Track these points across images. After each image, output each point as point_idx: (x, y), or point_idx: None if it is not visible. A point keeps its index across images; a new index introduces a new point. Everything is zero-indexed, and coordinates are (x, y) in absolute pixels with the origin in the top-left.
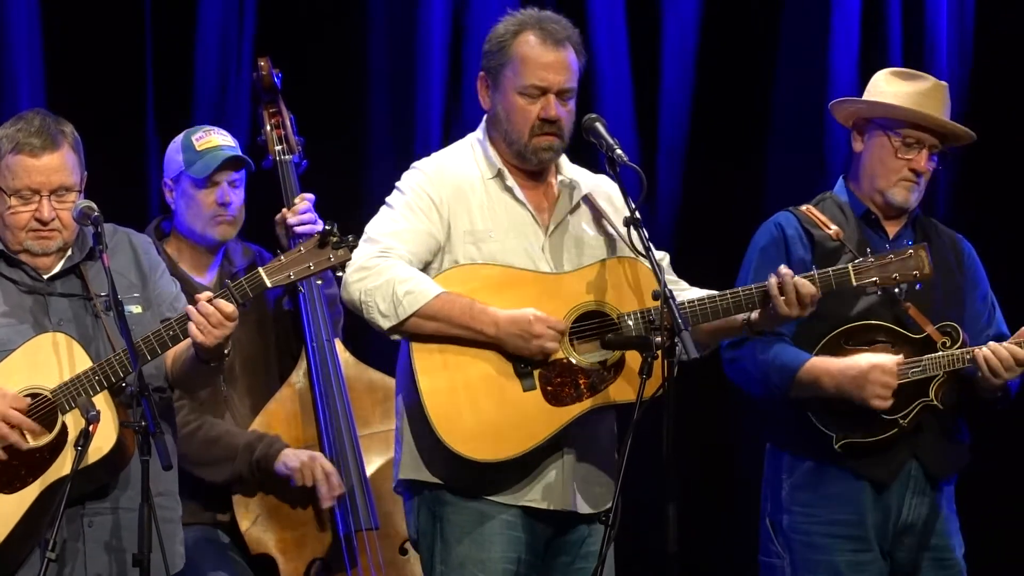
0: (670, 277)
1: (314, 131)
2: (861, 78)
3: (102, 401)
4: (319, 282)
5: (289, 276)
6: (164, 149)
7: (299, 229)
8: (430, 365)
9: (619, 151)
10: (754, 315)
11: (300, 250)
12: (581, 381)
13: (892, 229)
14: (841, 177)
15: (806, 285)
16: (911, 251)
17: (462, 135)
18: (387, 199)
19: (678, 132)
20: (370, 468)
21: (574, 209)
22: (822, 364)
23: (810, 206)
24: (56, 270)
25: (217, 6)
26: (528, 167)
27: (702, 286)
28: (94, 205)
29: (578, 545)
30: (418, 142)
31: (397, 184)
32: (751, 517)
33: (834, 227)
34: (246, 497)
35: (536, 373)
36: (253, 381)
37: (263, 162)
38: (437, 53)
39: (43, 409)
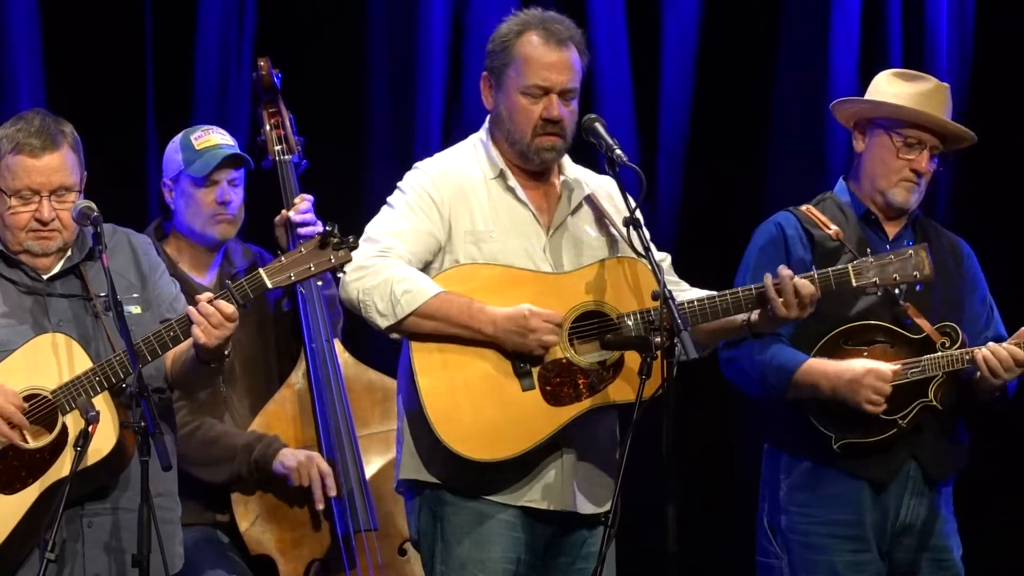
0: (671, 278)
1: (314, 131)
2: (861, 78)
3: (102, 402)
4: (319, 283)
5: (290, 277)
6: (164, 149)
7: (302, 231)
8: (429, 364)
9: (619, 151)
10: (754, 316)
11: (301, 251)
12: (580, 381)
13: (892, 230)
14: (841, 178)
15: (806, 286)
16: (911, 252)
17: (462, 135)
18: (388, 199)
19: (678, 132)
20: (369, 469)
21: (576, 210)
22: (819, 366)
23: (810, 206)
24: (56, 270)
25: (217, 6)
26: (530, 167)
27: (702, 286)
28: (93, 205)
29: (578, 545)
30: (418, 142)
31: (399, 184)
32: (751, 517)
33: (834, 227)
34: (245, 497)
35: (535, 373)
36: (252, 382)
37: (263, 162)
38: (437, 53)
39: (43, 410)
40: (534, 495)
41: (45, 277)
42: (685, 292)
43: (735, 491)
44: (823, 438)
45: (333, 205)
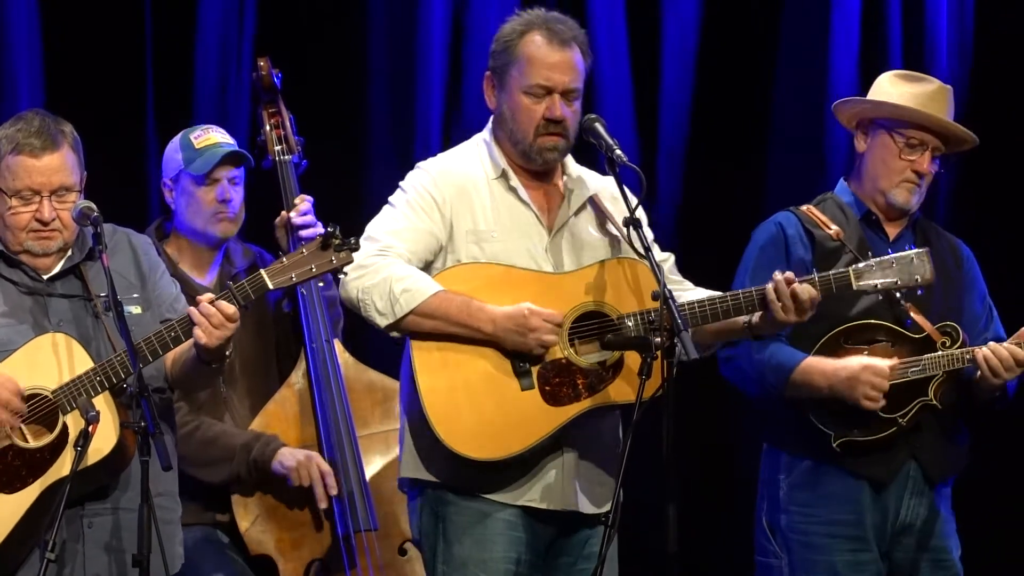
0: (675, 277)
1: (314, 131)
2: (861, 78)
3: (102, 402)
4: (320, 284)
5: (291, 278)
6: (164, 149)
7: (303, 233)
8: (429, 363)
9: (619, 151)
10: (755, 318)
11: (302, 252)
12: (579, 381)
13: (893, 231)
14: (842, 178)
15: (806, 291)
16: (913, 256)
17: (462, 135)
18: (390, 198)
19: (678, 132)
20: (369, 469)
21: (579, 210)
22: (817, 364)
23: (811, 206)
24: (56, 271)
25: (217, 6)
26: (533, 167)
27: (702, 286)
28: (93, 205)
29: (580, 546)
30: (418, 142)
31: (400, 183)
32: (750, 517)
33: (835, 227)
34: (245, 498)
35: (534, 372)
36: (253, 382)
37: (263, 162)
38: (437, 53)
39: (44, 410)
40: (534, 495)
41: (45, 277)
42: (688, 292)
43: (735, 491)
44: (823, 437)
45: (333, 205)
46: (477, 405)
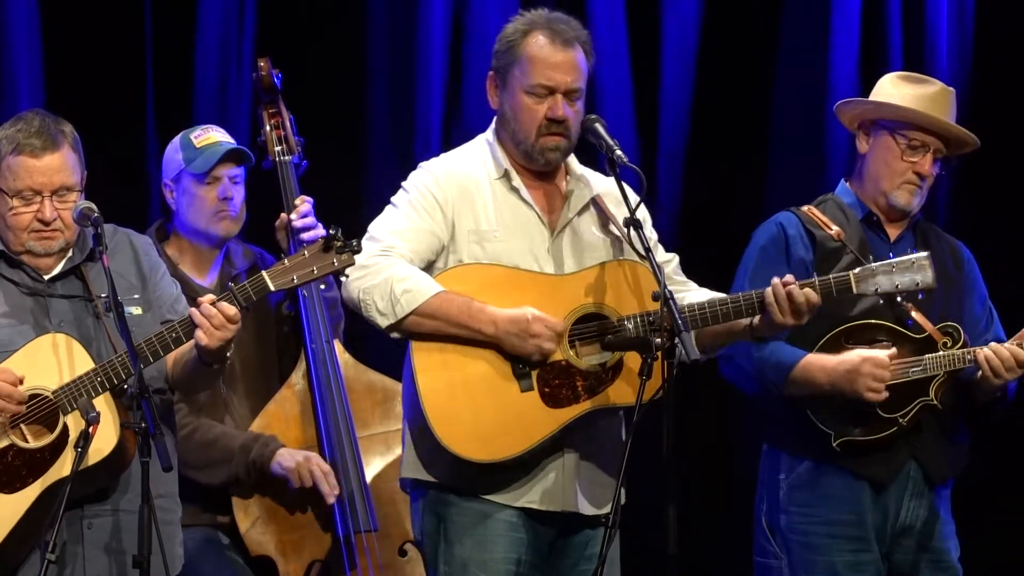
0: (679, 278)
1: (314, 131)
2: (861, 78)
3: (103, 403)
4: (322, 287)
5: (293, 280)
6: (164, 149)
7: (304, 236)
8: (429, 364)
9: (619, 152)
10: (755, 321)
11: (304, 254)
12: (579, 383)
13: (894, 232)
14: (843, 179)
15: (805, 294)
16: (914, 260)
17: (462, 135)
18: (392, 198)
19: (678, 132)
20: (369, 470)
21: (582, 211)
22: (817, 361)
23: (811, 207)
24: (57, 271)
25: (217, 6)
26: (535, 167)
27: (702, 286)
28: (94, 206)
29: (582, 547)
30: (418, 142)
31: (403, 183)
32: (750, 517)
33: (835, 228)
34: (246, 499)
35: (534, 374)
36: (253, 384)
37: (263, 163)
38: (437, 53)
39: (44, 410)
40: (533, 496)
41: (46, 278)
42: (692, 293)
43: (735, 491)
44: (823, 437)
45: (333, 205)
46: (477, 406)
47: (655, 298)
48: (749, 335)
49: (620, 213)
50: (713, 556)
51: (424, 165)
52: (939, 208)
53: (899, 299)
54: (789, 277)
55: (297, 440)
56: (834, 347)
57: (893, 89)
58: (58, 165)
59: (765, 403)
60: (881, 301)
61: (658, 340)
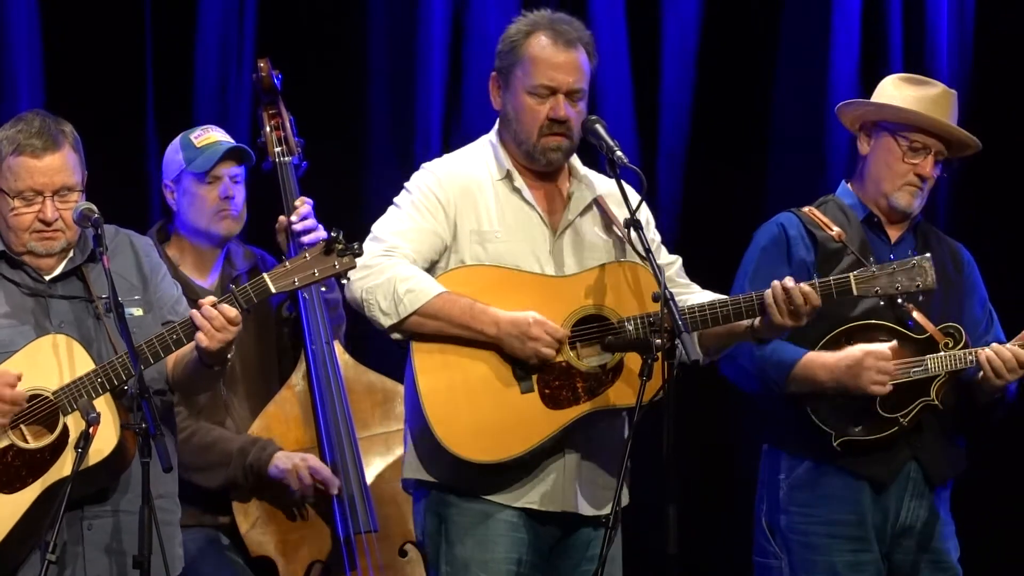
0: (683, 280)
1: (314, 132)
2: (861, 78)
3: (103, 403)
4: (323, 289)
5: (294, 282)
6: (164, 149)
7: (305, 238)
8: (430, 365)
9: (619, 152)
10: (756, 322)
11: (305, 256)
12: (579, 385)
13: (894, 233)
14: (844, 180)
15: (808, 296)
16: (915, 262)
17: (462, 135)
18: (395, 199)
19: (678, 132)
20: (369, 470)
21: (584, 212)
22: (818, 358)
23: (812, 208)
24: (57, 272)
25: (217, 6)
26: (537, 167)
27: (702, 287)
28: (94, 207)
29: (583, 547)
30: (418, 142)
31: (406, 184)
32: (750, 517)
33: (836, 229)
34: (245, 500)
35: (534, 376)
36: (254, 385)
37: (263, 164)
38: (437, 53)
39: (44, 410)
40: (533, 497)
41: (47, 278)
42: (695, 296)
43: (735, 491)
44: (823, 437)
45: (333, 206)
46: (477, 407)
47: (655, 299)
48: (750, 336)
49: (622, 214)
50: (713, 556)
51: (427, 166)
52: (939, 208)
53: (900, 300)
54: (789, 279)
55: (297, 441)
56: (835, 348)
57: (895, 91)
58: (59, 165)
59: (765, 402)
60: (882, 302)
61: (658, 341)
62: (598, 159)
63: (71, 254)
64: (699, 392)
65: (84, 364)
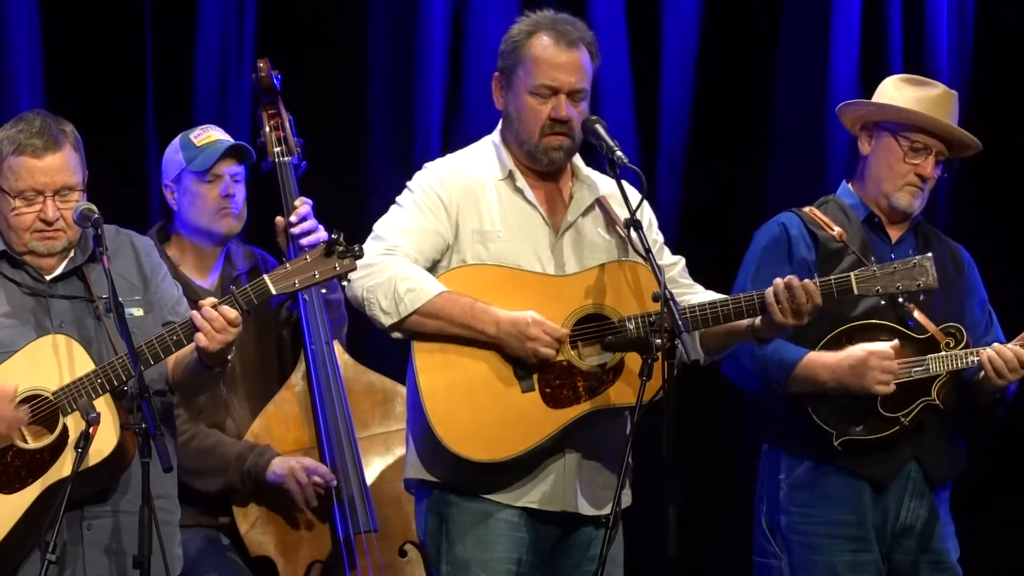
0: (685, 281)
1: (314, 131)
2: (861, 78)
3: (103, 404)
4: (324, 290)
5: (294, 284)
6: (164, 149)
7: (304, 241)
8: (431, 364)
9: (619, 152)
10: (756, 322)
11: (306, 258)
12: (579, 384)
13: (895, 233)
14: (844, 180)
15: (810, 294)
16: (916, 262)
17: (462, 135)
18: (397, 198)
19: (678, 133)
20: (369, 470)
21: (586, 212)
22: (820, 358)
23: (813, 208)
24: (58, 272)
25: (217, 6)
26: (539, 167)
27: (703, 287)
28: (94, 207)
29: (584, 547)
30: (418, 142)
31: (408, 183)
32: (750, 517)
33: (837, 228)
34: (244, 501)
35: (535, 374)
36: (254, 386)
37: (262, 164)
38: (437, 53)
39: (44, 411)
40: (533, 497)
41: (48, 278)
42: (696, 296)
43: (735, 491)
44: (823, 437)
45: (333, 206)
46: (477, 406)
47: (655, 299)
48: (751, 336)
49: (624, 214)
50: (713, 556)
51: (429, 165)
52: (939, 208)
53: (901, 300)
54: (790, 278)
55: (297, 441)
56: (836, 347)
57: (896, 91)
58: (60, 165)
59: (766, 402)
60: (883, 302)
61: (658, 341)
62: (598, 159)
63: (72, 254)
64: (699, 392)
65: (84, 364)
